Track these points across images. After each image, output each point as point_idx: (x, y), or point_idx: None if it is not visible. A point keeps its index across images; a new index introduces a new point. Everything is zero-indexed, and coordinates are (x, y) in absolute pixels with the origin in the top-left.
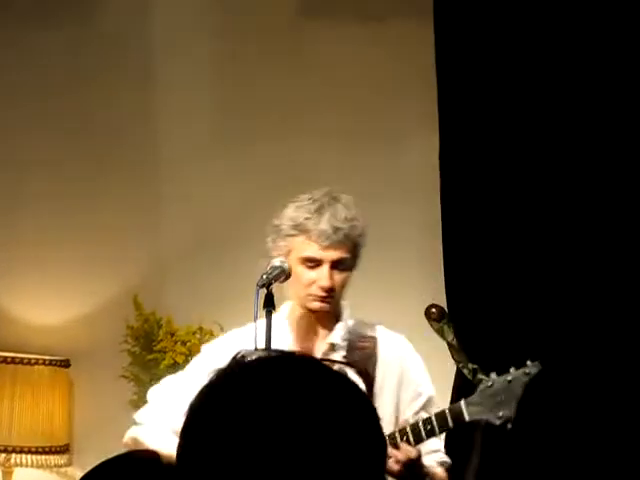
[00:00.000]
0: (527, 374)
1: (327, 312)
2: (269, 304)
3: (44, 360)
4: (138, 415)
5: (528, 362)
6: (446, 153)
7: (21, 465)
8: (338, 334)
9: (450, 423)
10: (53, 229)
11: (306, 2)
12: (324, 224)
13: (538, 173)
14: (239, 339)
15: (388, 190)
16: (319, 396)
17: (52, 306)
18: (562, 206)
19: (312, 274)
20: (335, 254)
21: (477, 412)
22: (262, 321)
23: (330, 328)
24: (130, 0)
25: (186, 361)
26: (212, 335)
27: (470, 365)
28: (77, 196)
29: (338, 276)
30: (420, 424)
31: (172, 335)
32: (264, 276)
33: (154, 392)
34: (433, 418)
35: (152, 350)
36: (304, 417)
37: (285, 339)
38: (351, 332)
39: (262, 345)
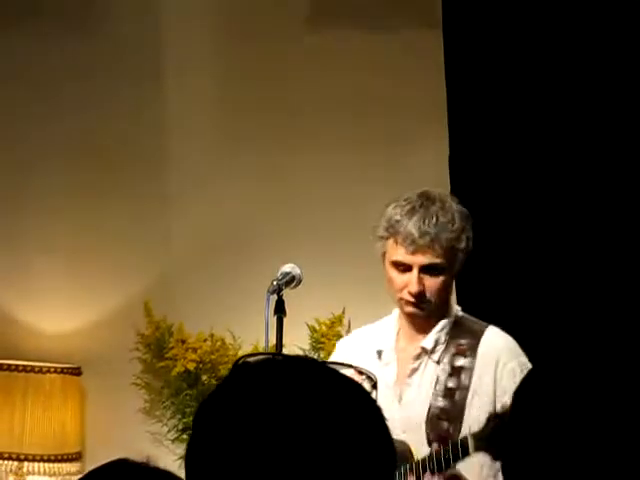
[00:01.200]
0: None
1: (427, 317)
2: (280, 310)
3: (56, 368)
4: None
5: None
6: (456, 158)
7: (33, 473)
8: (432, 338)
9: (460, 455)
10: (64, 238)
11: (315, 8)
12: (411, 227)
13: (546, 177)
14: (371, 334)
15: (396, 195)
16: (322, 398)
17: (63, 314)
18: (571, 209)
19: (403, 278)
20: (424, 259)
21: (480, 446)
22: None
23: (425, 333)
24: (137, 5)
25: (197, 368)
26: (223, 342)
27: None
28: (88, 205)
29: (430, 281)
30: (441, 452)
31: (183, 342)
32: (274, 282)
33: None
34: (450, 448)
35: (163, 357)
36: (307, 419)
37: (388, 341)
38: (453, 332)
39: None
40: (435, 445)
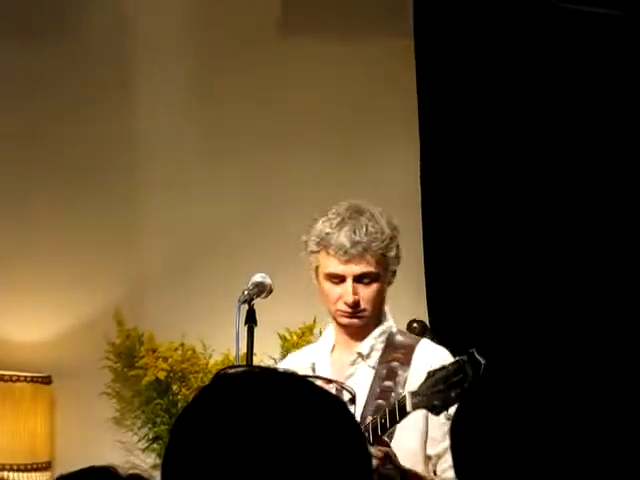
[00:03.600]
0: (457, 362)
1: (362, 327)
2: (251, 320)
3: (25, 377)
4: None
5: (470, 350)
6: (427, 167)
7: None
8: (368, 343)
9: (397, 417)
10: (32, 246)
11: (288, 18)
12: (343, 238)
13: (516, 186)
14: (306, 353)
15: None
16: (300, 411)
17: (33, 323)
18: (538, 218)
19: (338, 289)
20: (357, 268)
21: (418, 402)
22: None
23: (361, 340)
24: (110, 19)
25: (168, 377)
26: (194, 352)
27: None
28: (56, 213)
29: (365, 290)
30: (378, 420)
31: (154, 351)
32: (245, 292)
33: None
34: (386, 412)
35: (134, 366)
36: (284, 432)
37: (322, 354)
38: (388, 341)
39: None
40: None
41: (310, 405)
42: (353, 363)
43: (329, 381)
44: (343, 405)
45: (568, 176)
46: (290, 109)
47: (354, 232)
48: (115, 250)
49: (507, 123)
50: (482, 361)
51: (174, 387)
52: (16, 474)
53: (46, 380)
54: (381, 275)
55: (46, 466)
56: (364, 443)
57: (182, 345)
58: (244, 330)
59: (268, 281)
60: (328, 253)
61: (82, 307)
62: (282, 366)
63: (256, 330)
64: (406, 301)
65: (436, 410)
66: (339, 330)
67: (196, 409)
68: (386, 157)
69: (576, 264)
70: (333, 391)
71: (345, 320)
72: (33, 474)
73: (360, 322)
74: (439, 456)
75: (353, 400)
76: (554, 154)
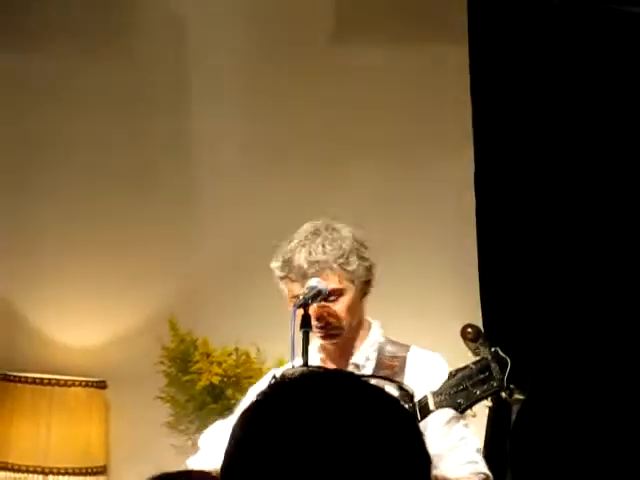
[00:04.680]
0: (481, 360)
1: (348, 339)
2: (306, 325)
3: (80, 382)
4: (189, 462)
5: (493, 349)
6: (481, 175)
7: None
8: (363, 354)
9: (419, 417)
10: (88, 251)
11: (342, 23)
12: (300, 261)
13: (570, 195)
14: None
15: (422, 213)
16: (362, 411)
17: (88, 328)
18: (594, 223)
19: (309, 311)
20: None
21: (441, 401)
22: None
23: (350, 352)
24: (165, 17)
25: (222, 382)
26: (248, 356)
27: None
28: (112, 219)
29: (331, 307)
30: None
31: (208, 356)
32: (301, 297)
33: (204, 438)
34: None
35: (188, 371)
36: (347, 432)
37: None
38: (380, 351)
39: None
40: None
41: (371, 406)
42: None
43: (388, 380)
44: (403, 408)
45: (625, 181)
46: (343, 112)
47: (309, 253)
48: (170, 254)
49: (563, 130)
50: (507, 359)
51: (228, 392)
52: (71, 478)
53: (101, 385)
54: (347, 289)
55: (101, 470)
56: (424, 443)
57: (236, 350)
58: (299, 335)
59: (323, 286)
60: (291, 279)
61: (137, 311)
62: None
63: (311, 335)
64: (459, 306)
65: (460, 408)
66: (325, 347)
67: (257, 411)
68: (441, 163)
69: (635, 268)
70: (394, 392)
71: (322, 339)
72: (88, 478)
73: (336, 339)
74: (439, 457)
75: (411, 398)
76: (609, 160)
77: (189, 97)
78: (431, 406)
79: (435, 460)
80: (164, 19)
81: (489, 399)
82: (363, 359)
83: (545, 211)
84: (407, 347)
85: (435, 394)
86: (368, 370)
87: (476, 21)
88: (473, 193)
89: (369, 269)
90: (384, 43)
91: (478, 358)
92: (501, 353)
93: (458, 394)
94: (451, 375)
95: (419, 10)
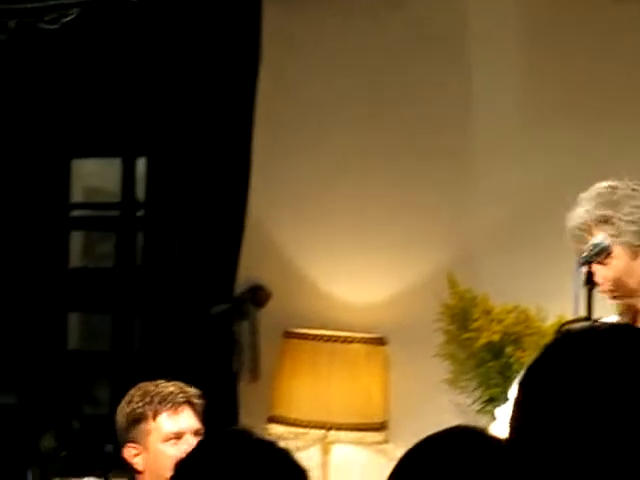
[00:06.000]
0: None
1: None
2: (590, 282)
3: (360, 338)
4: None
5: None
6: None
7: (338, 442)
8: None
9: None
10: (370, 211)
11: None
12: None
13: None
14: None
15: None
16: None
17: (369, 285)
18: None
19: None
20: None
21: None
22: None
23: None
24: None
25: (502, 340)
26: (528, 314)
27: None
28: (392, 178)
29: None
30: None
31: (488, 313)
32: (585, 254)
33: (501, 409)
34: None
35: (467, 329)
36: (633, 384)
37: None
38: None
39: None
40: None
41: None
42: None
43: None
44: None
45: None
46: (629, 79)
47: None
48: (449, 212)
49: None
50: None
51: (508, 349)
52: (351, 434)
53: (380, 341)
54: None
55: (381, 427)
56: None
57: (516, 307)
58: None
59: (607, 242)
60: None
61: (416, 269)
62: None
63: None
64: None
65: None
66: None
67: (543, 364)
68: None
69: None
70: None
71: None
72: (368, 434)
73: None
74: None
75: None
76: None
77: (468, 63)
78: None
79: None
80: None
81: None
82: None
83: None
84: None
85: None
86: None
87: None
88: None
89: None
90: None
91: None
92: None
93: None
94: None
95: None
